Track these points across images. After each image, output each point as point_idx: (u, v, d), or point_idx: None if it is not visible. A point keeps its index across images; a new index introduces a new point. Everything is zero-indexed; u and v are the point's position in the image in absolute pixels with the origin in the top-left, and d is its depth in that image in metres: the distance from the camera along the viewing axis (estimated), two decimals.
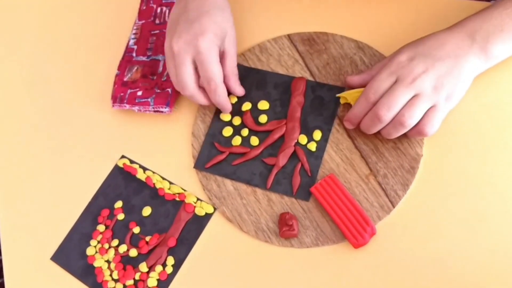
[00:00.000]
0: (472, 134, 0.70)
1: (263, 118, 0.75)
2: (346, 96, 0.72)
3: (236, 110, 0.77)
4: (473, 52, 0.66)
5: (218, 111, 0.77)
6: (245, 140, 0.75)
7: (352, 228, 0.67)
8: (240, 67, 0.79)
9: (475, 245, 0.65)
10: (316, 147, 0.72)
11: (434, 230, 0.67)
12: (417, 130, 0.66)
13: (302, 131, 0.74)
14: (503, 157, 0.69)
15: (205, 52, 0.70)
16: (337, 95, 0.73)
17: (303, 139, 0.73)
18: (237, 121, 0.76)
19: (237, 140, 0.75)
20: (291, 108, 0.75)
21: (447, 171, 0.69)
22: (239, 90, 0.76)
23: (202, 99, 0.73)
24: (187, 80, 0.71)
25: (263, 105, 0.76)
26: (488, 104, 0.71)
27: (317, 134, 0.73)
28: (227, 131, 0.76)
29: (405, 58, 0.66)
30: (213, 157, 0.75)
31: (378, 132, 0.70)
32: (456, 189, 0.68)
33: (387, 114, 0.65)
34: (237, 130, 0.76)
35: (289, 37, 0.80)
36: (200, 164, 0.75)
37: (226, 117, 0.76)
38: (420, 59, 0.66)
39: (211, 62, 0.70)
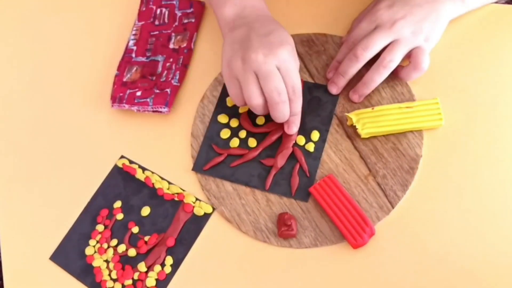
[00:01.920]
0: (471, 135, 0.70)
1: (260, 120, 0.75)
2: (353, 116, 0.72)
3: (233, 112, 0.77)
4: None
5: (215, 113, 0.77)
6: (243, 142, 0.75)
7: (351, 229, 0.67)
8: None
9: (474, 245, 0.65)
10: (314, 148, 0.72)
11: (433, 231, 0.67)
12: (413, 67, 0.70)
13: (300, 132, 0.74)
14: (502, 157, 0.69)
15: (289, 60, 0.67)
16: (346, 114, 0.73)
17: (301, 140, 0.73)
18: (234, 123, 0.76)
19: (235, 142, 0.75)
20: None
21: (446, 172, 0.69)
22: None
23: (285, 110, 0.68)
24: (279, 85, 0.66)
25: None
26: (488, 103, 0.71)
27: (315, 135, 0.73)
28: (225, 133, 0.76)
29: (384, 5, 0.71)
30: (211, 159, 0.75)
31: (378, 139, 0.70)
32: (455, 189, 0.68)
33: (363, 53, 0.70)
34: (234, 132, 0.76)
35: None
36: (199, 166, 0.74)
37: (223, 119, 0.76)
38: (398, 6, 0.70)
39: (295, 69, 0.68)
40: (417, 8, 0.69)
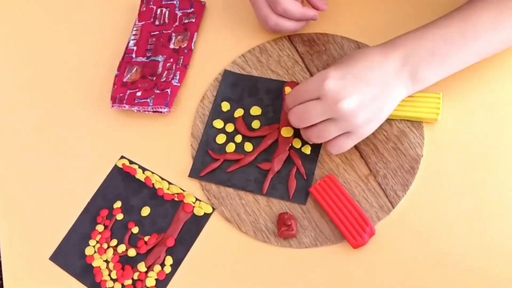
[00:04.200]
0: (472, 135, 0.70)
1: (256, 124, 0.75)
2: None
3: (228, 117, 0.77)
4: (402, 81, 0.66)
5: (210, 118, 0.77)
6: (239, 147, 0.75)
7: (351, 228, 0.66)
8: (231, 74, 0.79)
9: (474, 246, 0.65)
10: (311, 150, 0.72)
11: (433, 231, 0.66)
12: (326, 146, 0.67)
13: (296, 135, 0.73)
14: (503, 157, 0.68)
15: None
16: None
17: (297, 143, 0.73)
18: (230, 128, 0.76)
19: (231, 147, 0.75)
20: (284, 112, 0.75)
21: (447, 171, 0.69)
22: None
23: (287, 23, 0.75)
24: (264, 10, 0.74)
25: (256, 110, 0.76)
26: (488, 104, 0.71)
27: None
28: (221, 139, 0.75)
29: (335, 76, 0.63)
30: (207, 165, 0.74)
31: (377, 133, 0.70)
32: (456, 189, 0.68)
33: (297, 124, 0.66)
34: (230, 137, 0.75)
35: (289, 38, 0.80)
36: (195, 172, 0.74)
37: (218, 124, 0.76)
38: (349, 81, 0.63)
39: None
40: (366, 88, 0.63)
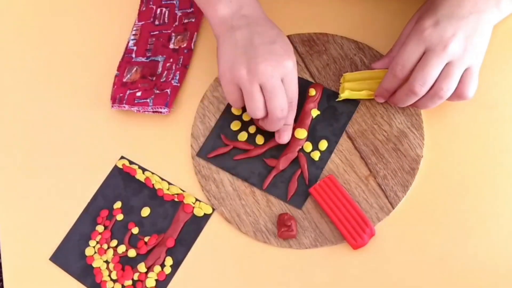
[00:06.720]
0: (472, 135, 0.70)
1: None
2: (346, 84, 0.72)
3: None
4: (490, 4, 0.65)
5: (229, 105, 0.76)
6: (251, 137, 0.75)
7: (351, 229, 0.66)
8: None
9: (474, 246, 0.65)
10: (320, 157, 0.72)
11: (433, 232, 0.67)
12: (457, 95, 0.65)
13: (309, 138, 0.73)
14: (502, 158, 0.68)
15: (294, 71, 0.66)
16: (340, 96, 0.73)
17: (308, 147, 0.73)
18: (247, 116, 0.76)
19: (243, 136, 0.75)
20: (302, 113, 0.74)
21: (447, 172, 0.69)
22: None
23: (281, 123, 0.69)
24: (283, 102, 0.66)
25: None
26: (488, 104, 0.71)
27: (323, 144, 0.72)
28: (235, 125, 0.75)
29: (429, 24, 0.64)
30: (217, 148, 0.74)
31: (377, 133, 0.70)
32: (456, 190, 0.68)
33: (422, 88, 0.64)
34: (245, 126, 0.75)
35: (289, 38, 0.80)
36: (203, 153, 0.74)
37: (237, 111, 0.76)
38: (445, 22, 0.63)
39: (296, 80, 0.67)
40: (464, 21, 0.63)
